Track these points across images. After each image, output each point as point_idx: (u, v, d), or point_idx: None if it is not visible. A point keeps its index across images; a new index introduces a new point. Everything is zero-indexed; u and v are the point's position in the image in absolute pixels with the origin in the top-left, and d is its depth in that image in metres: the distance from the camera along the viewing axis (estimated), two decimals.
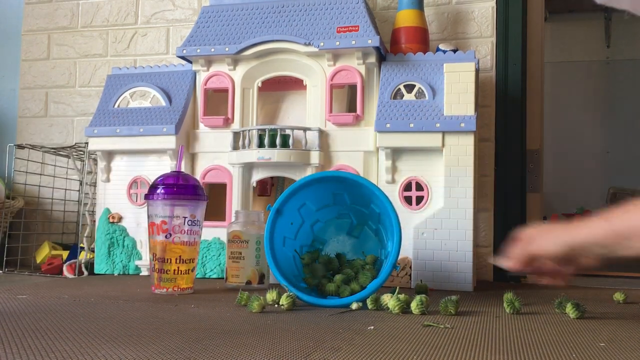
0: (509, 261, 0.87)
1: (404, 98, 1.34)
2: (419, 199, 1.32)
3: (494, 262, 0.88)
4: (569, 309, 0.92)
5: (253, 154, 1.37)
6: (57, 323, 0.79)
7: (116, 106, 1.52)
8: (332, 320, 0.86)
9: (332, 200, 1.15)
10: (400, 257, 1.19)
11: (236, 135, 1.42)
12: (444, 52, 1.40)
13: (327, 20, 1.41)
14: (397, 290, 0.97)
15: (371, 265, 1.10)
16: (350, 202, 1.15)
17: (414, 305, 0.92)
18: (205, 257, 1.42)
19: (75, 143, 1.61)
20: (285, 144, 1.37)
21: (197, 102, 1.51)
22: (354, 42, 1.35)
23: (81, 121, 1.89)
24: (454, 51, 1.40)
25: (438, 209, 1.29)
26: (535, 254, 0.85)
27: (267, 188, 1.52)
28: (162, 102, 1.49)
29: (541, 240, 0.84)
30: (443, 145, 1.28)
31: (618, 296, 1.10)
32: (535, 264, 0.86)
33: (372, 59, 1.38)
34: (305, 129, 1.37)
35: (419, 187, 1.32)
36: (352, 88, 1.43)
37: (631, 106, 3.32)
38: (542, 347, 0.69)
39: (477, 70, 1.34)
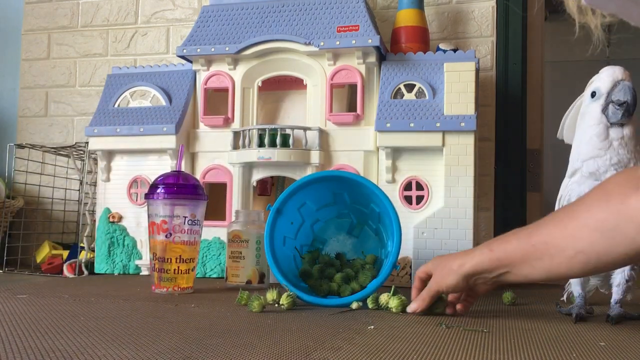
0: (416, 305, 0.90)
1: (404, 97, 1.34)
2: (419, 199, 1.32)
3: (410, 311, 0.91)
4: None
5: (253, 154, 1.37)
6: (57, 323, 0.79)
7: (116, 106, 1.52)
8: (333, 320, 0.86)
9: (332, 199, 1.15)
10: (400, 256, 1.19)
11: (236, 134, 1.42)
12: (444, 51, 1.40)
13: (327, 19, 1.41)
14: (392, 290, 0.97)
15: (371, 264, 1.10)
16: (351, 202, 1.15)
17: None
18: (206, 256, 1.42)
19: (76, 142, 1.61)
20: (285, 144, 1.37)
21: (197, 101, 1.51)
22: (354, 41, 1.35)
23: (81, 121, 1.89)
24: (454, 51, 1.40)
25: (438, 209, 1.29)
26: (438, 291, 0.89)
27: (267, 187, 1.52)
28: (162, 101, 1.49)
29: (438, 276, 0.88)
30: (443, 144, 1.28)
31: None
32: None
33: (373, 59, 1.38)
34: (305, 129, 1.37)
35: (419, 186, 1.32)
36: (353, 87, 1.43)
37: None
38: (542, 347, 0.69)
39: (477, 70, 1.33)
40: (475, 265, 0.83)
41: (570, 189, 0.94)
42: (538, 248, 0.76)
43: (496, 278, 0.82)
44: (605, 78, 0.91)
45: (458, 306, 0.91)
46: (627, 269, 0.90)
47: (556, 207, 0.96)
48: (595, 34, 0.57)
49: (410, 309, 0.91)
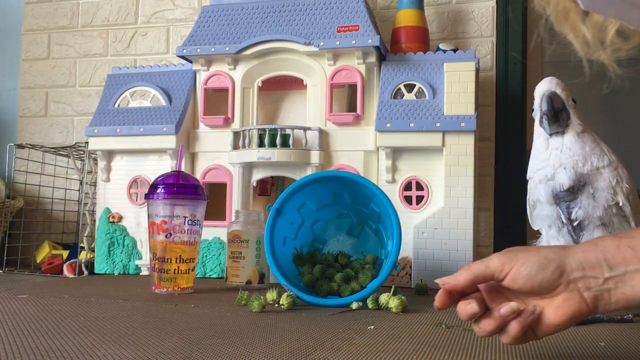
0: (449, 279, 0.59)
1: (404, 97, 1.34)
2: (419, 199, 1.32)
3: (437, 282, 0.60)
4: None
5: (253, 154, 1.37)
6: (57, 323, 0.79)
7: (116, 106, 1.52)
8: (333, 320, 0.86)
9: (332, 199, 1.15)
10: (400, 256, 1.19)
11: (236, 134, 1.42)
12: (444, 51, 1.40)
13: (327, 19, 1.41)
14: (392, 290, 0.97)
15: (371, 264, 1.10)
16: (351, 202, 1.15)
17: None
18: (206, 256, 1.42)
19: (76, 143, 1.61)
20: (285, 144, 1.37)
21: (197, 101, 1.51)
22: (354, 41, 1.35)
23: (81, 121, 1.89)
24: (454, 51, 1.40)
25: (438, 209, 1.29)
26: (494, 273, 0.58)
27: (267, 187, 1.52)
28: (162, 101, 1.49)
29: (512, 257, 0.58)
30: (443, 144, 1.28)
31: None
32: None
33: (372, 59, 1.38)
34: (305, 129, 1.37)
35: (419, 186, 1.32)
36: (352, 87, 1.43)
37: (631, 106, 3.31)
38: (542, 347, 0.69)
39: (477, 70, 1.34)
40: (590, 254, 0.55)
41: (531, 192, 1.00)
42: None
43: (609, 284, 0.54)
44: (536, 92, 0.97)
45: (515, 325, 0.56)
46: None
47: (527, 207, 1.02)
48: (610, 68, 0.49)
49: (440, 280, 0.59)
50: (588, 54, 0.50)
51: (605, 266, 0.54)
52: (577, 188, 0.93)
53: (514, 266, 0.56)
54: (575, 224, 0.94)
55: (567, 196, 0.94)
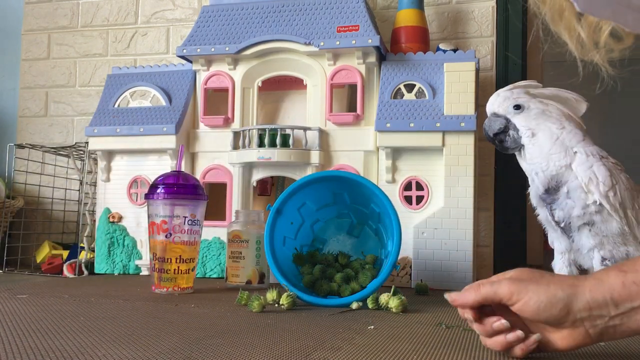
0: (457, 296, 0.63)
1: (404, 97, 1.34)
2: (419, 199, 1.32)
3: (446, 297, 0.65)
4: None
5: (253, 154, 1.37)
6: (57, 323, 0.79)
7: (116, 106, 1.52)
8: (333, 320, 0.86)
9: (332, 199, 1.15)
10: (400, 256, 1.19)
11: (236, 134, 1.42)
12: (444, 51, 1.40)
13: (327, 19, 1.41)
14: (392, 290, 0.97)
15: (371, 264, 1.10)
16: (351, 202, 1.15)
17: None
18: (206, 256, 1.42)
19: (76, 143, 1.61)
20: (285, 144, 1.37)
21: (197, 101, 1.51)
22: (354, 41, 1.35)
23: (81, 121, 1.89)
24: (454, 51, 1.40)
25: (438, 209, 1.29)
26: (502, 299, 0.60)
27: (267, 187, 1.52)
28: (162, 101, 1.49)
29: (521, 287, 0.59)
30: (443, 144, 1.28)
31: None
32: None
33: (372, 59, 1.38)
34: (305, 129, 1.37)
35: (419, 186, 1.32)
36: (352, 87, 1.43)
37: (631, 106, 3.31)
38: None
39: (477, 70, 1.34)
40: (597, 293, 0.56)
41: None
42: None
43: (616, 320, 0.56)
44: None
45: (518, 350, 0.61)
46: (598, 262, 0.91)
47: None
48: (604, 69, 0.51)
49: (449, 296, 0.63)
50: (582, 54, 0.51)
51: (611, 305, 0.55)
52: (553, 189, 0.94)
53: (522, 299, 0.58)
54: (562, 225, 0.95)
55: (547, 198, 0.95)
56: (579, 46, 0.51)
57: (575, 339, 0.58)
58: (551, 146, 0.93)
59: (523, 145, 0.96)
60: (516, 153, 0.99)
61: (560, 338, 0.59)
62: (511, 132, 0.97)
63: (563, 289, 0.57)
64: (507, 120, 0.97)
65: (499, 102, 0.98)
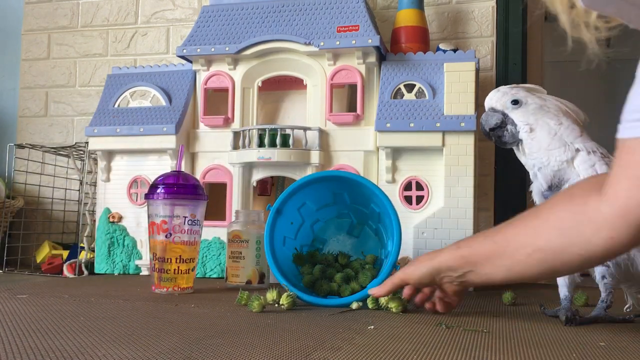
0: (379, 289, 0.93)
1: (404, 97, 1.34)
2: (419, 199, 1.32)
3: (369, 293, 0.95)
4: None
5: (253, 154, 1.37)
6: (57, 323, 0.79)
7: (116, 106, 1.52)
8: (333, 320, 0.86)
9: (332, 199, 1.15)
10: (400, 256, 1.19)
11: (236, 134, 1.42)
12: (444, 51, 1.40)
13: (327, 19, 1.41)
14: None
15: (371, 264, 1.10)
16: (351, 202, 1.15)
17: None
18: (206, 256, 1.42)
19: (76, 143, 1.61)
20: (285, 144, 1.37)
21: (197, 101, 1.51)
22: (354, 41, 1.35)
23: (81, 121, 1.89)
24: (454, 51, 1.40)
25: (438, 209, 1.29)
26: (403, 280, 0.90)
27: (267, 187, 1.52)
28: (162, 101, 1.49)
29: (407, 268, 0.90)
30: (443, 144, 1.28)
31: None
32: (412, 291, 0.91)
33: (372, 59, 1.38)
34: (305, 129, 1.37)
35: (419, 186, 1.32)
36: (352, 87, 1.43)
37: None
38: (542, 347, 0.69)
39: (477, 70, 1.34)
40: (441, 262, 0.84)
41: None
42: (500, 245, 0.78)
43: (461, 278, 0.83)
44: None
45: (438, 306, 0.91)
46: (599, 266, 0.91)
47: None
48: (590, 48, 0.56)
49: (371, 291, 0.94)
50: (572, 32, 0.55)
51: (451, 271, 0.84)
52: (555, 186, 0.93)
53: (411, 278, 0.89)
54: None
55: (550, 195, 0.94)
56: (572, 26, 0.55)
57: (451, 288, 0.87)
58: (550, 141, 0.93)
59: (521, 140, 0.96)
60: (514, 148, 0.98)
61: (448, 288, 0.87)
62: (509, 127, 0.96)
63: (426, 265, 0.86)
64: (505, 116, 0.97)
65: (497, 97, 0.97)
